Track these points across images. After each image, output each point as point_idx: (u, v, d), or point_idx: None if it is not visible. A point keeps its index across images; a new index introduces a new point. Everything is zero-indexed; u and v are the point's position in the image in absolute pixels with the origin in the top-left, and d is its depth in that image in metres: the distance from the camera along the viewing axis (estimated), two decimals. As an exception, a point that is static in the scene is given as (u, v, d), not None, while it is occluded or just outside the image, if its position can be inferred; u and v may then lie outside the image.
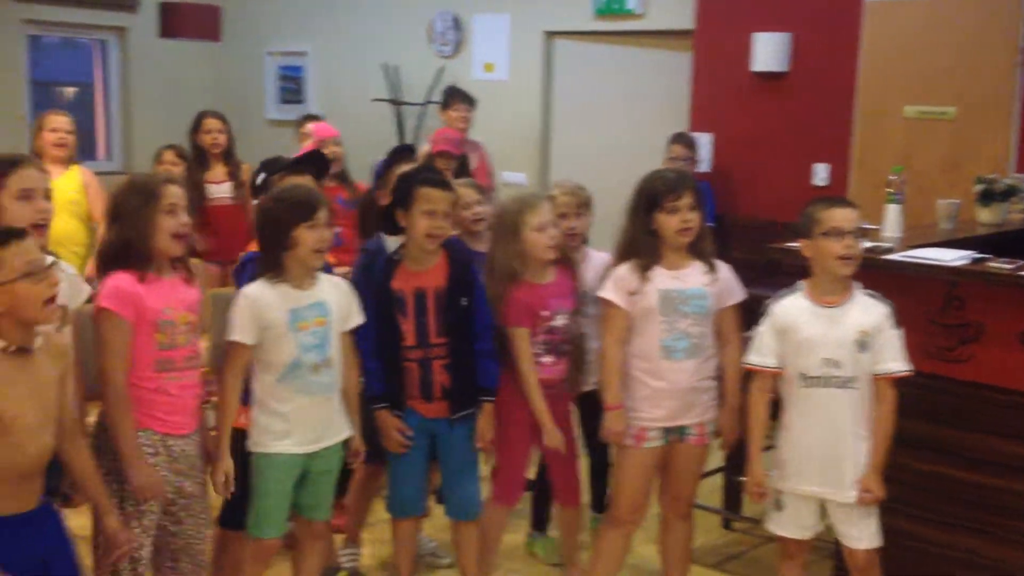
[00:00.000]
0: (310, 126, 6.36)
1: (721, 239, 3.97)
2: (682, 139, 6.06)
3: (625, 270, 3.41)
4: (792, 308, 3.25)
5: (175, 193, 2.98)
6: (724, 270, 3.49)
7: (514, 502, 3.80)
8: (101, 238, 3.32)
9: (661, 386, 3.39)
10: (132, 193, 2.99)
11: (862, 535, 3.23)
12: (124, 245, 2.96)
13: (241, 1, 8.25)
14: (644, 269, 3.38)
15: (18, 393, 2.47)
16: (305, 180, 3.62)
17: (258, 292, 3.15)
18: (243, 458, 3.22)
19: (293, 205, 3.16)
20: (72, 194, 5.20)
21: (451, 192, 3.56)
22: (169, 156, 5.52)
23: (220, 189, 5.69)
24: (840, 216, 3.19)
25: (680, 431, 3.46)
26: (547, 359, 3.64)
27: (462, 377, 3.53)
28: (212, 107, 7.44)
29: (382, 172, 4.19)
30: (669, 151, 5.98)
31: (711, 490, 4.41)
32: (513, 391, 3.61)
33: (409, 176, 3.62)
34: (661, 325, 3.37)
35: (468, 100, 6.32)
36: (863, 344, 3.17)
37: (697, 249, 3.43)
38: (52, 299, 2.52)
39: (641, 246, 3.40)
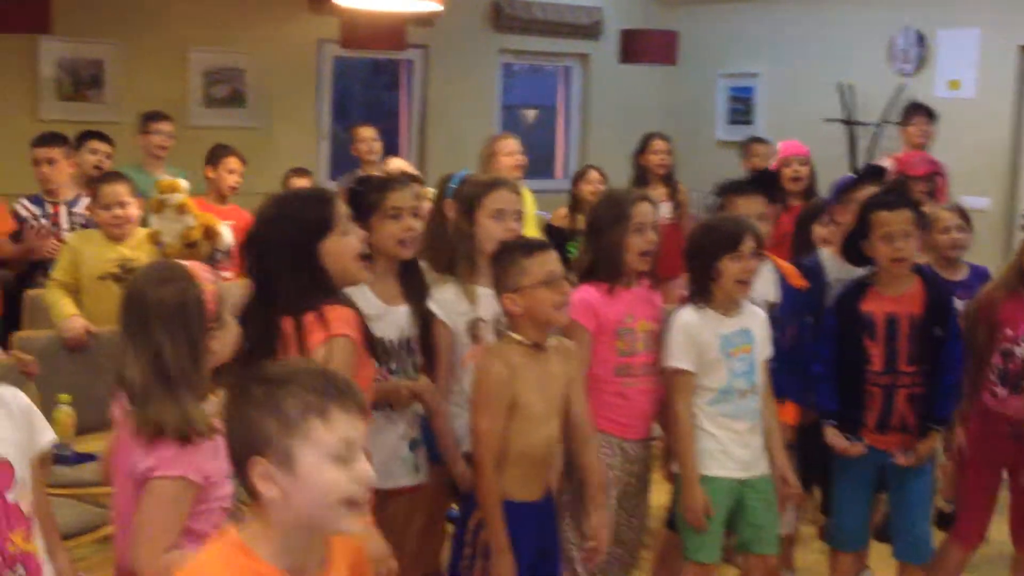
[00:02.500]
0: (758, 147, 6.38)
1: None
2: None
3: None
4: None
5: (646, 212, 3.15)
6: None
7: (977, 544, 3.56)
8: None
9: None
10: (605, 209, 3.21)
11: None
12: (595, 258, 3.18)
13: (696, 25, 8.43)
14: None
15: (529, 383, 2.77)
16: (755, 201, 3.64)
17: (691, 318, 3.22)
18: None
19: (718, 236, 3.21)
20: (530, 209, 5.62)
21: (910, 212, 3.41)
22: (299, 182, 5.43)
23: (660, 208, 5.86)
24: None
25: None
26: (1000, 391, 3.40)
27: (926, 409, 3.38)
28: (664, 128, 7.69)
29: (843, 190, 4.08)
30: None
31: None
32: (983, 425, 3.39)
33: (866, 202, 3.52)
34: None
35: (930, 115, 6.04)
36: None
37: None
38: (563, 304, 2.80)
39: None
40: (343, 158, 7.12)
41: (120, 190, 4.22)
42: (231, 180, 5.19)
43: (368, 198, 2.93)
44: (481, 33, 7.99)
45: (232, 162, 5.20)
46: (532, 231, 5.55)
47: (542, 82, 9.12)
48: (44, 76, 6.54)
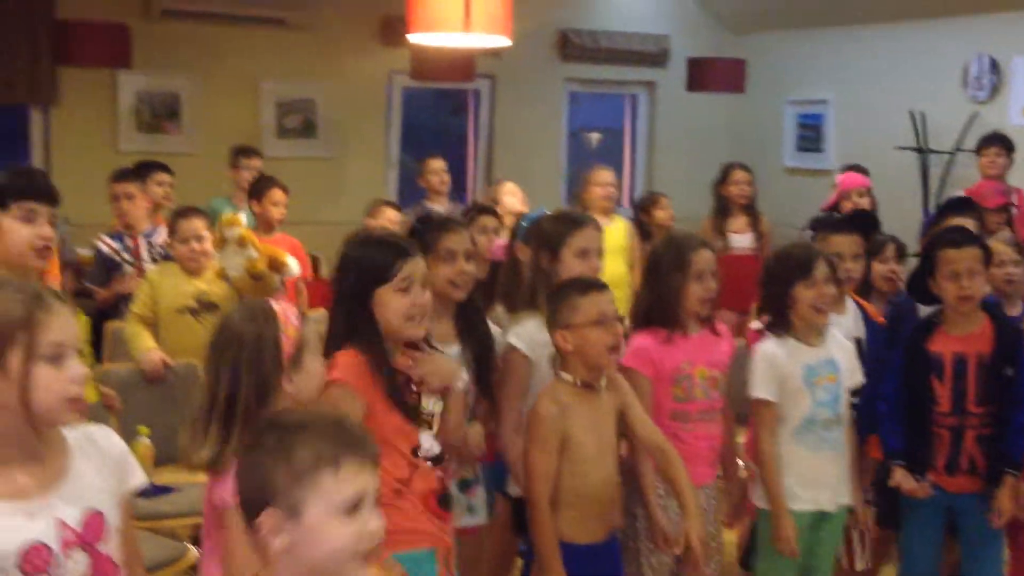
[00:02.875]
0: (839, 176, 6.31)
1: None
2: None
3: None
4: None
5: (706, 259, 3.14)
6: None
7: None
8: (636, 288, 3.57)
9: None
10: (665, 254, 3.21)
11: None
12: (655, 302, 3.18)
13: (765, 52, 8.39)
14: None
15: (581, 422, 2.78)
16: (852, 240, 3.63)
17: (772, 348, 3.21)
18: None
19: (790, 263, 3.20)
20: (621, 240, 5.64)
21: (977, 250, 3.37)
22: (389, 213, 5.45)
23: (741, 239, 5.84)
24: None
25: None
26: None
27: (995, 450, 3.32)
28: (731, 155, 7.65)
29: (931, 225, 4.02)
30: None
31: None
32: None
33: (931, 239, 3.49)
34: None
35: (1006, 144, 5.95)
36: None
37: None
38: (615, 348, 2.80)
39: None
40: (411, 186, 7.21)
41: (197, 225, 4.33)
42: (277, 213, 5.28)
43: (424, 238, 2.95)
44: (548, 62, 8.05)
45: (276, 194, 5.29)
46: (619, 264, 5.54)
47: (607, 103, 9.14)
48: (123, 108, 6.75)
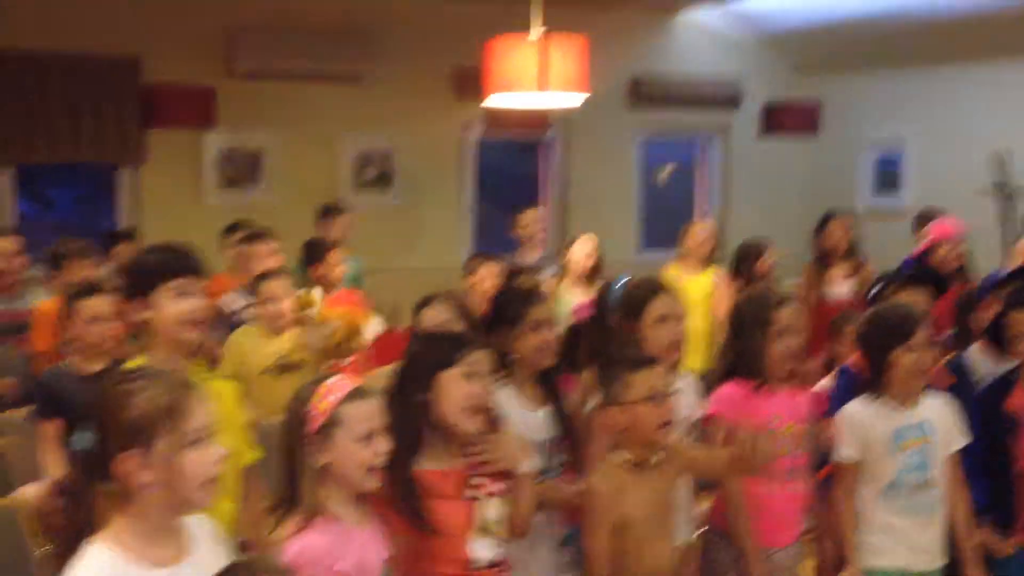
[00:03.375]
0: (931, 225, 6.17)
1: None
2: None
3: None
4: None
5: (789, 316, 3.14)
6: None
7: None
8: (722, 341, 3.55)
9: None
10: (749, 310, 3.22)
11: None
12: (738, 358, 3.19)
13: (841, 93, 8.33)
14: None
15: (636, 502, 2.76)
16: (920, 296, 3.58)
17: (860, 409, 3.17)
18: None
19: (890, 326, 3.15)
20: (705, 292, 5.64)
21: None
22: (486, 268, 5.17)
23: (840, 287, 5.76)
24: None
25: None
26: None
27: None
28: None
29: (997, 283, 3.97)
30: None
31: None
32: None
33: (1008, 298, 3.43)
34: None
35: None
36: None
37: None
38: (667, 423, 2.79)
39: None
40: (486, 234, 7.28)
41: (274, 287, 4.41)
42: (338, 272, 5.36)
43: (509, 310, 3.04)
44: (619, 109, 8.09)
45: (334, 256, 5.36)
46: (703, 316, 5.53)
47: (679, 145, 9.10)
48: (208, 165, 6.96)
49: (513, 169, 8.62)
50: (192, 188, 6.92)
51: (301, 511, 2.23)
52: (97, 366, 3.53)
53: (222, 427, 2.67)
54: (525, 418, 2.97)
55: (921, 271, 4.12)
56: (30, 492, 3.50)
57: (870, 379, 3.18)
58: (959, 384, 3.56)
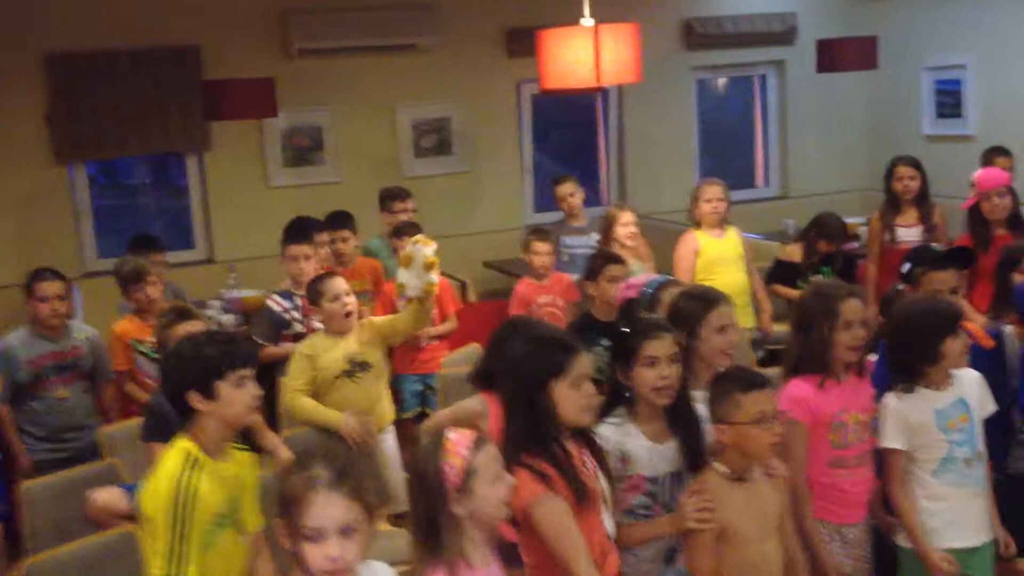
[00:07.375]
0: (1001, 160, 6.07)
1: None
2: None
3: None
4: None
5: (854, 309, 3.21)
6: None
7: None
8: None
9: None
10: (813, 304, 3.29)
11: None
12: (804, 351, 3.27)
13: (897, 23, 8.16)
14: None
15: (737, 508, 2.86)
16: (950, 275, 3.62)
17: (898, 403, 3.26)
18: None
19: (940, 320, 3.23)
20: (737, 250, 5.68)
21: None
22: (539, 246, 5.43)
23: (909, 233, 5.75)
24: None
25: None
26: None
27: None
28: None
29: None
30: None
31: None
32: None
33: None
34: None
35: None
36: None
37: None
38: (774, 444, 2.88)
39: None
40: (548, 191, 7.34)
41: (338, 283, 4.38)
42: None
43: (627, 344, 2.98)
44: (674, 53, 8.04)
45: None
46: (737, 273, 5.62)
47: (732, 87, 9.02)
48: (270, 147, 7.10)
49: (570, 119, 8.63)
50: (257, 170, 7.08)
51: (444, 561, 2.33)
52: None
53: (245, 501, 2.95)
54: (651, 451, 2.97)
55: (951, 252, 4.13)
56: (103, 497, 3.75)
57: (909, 367, 3.25)
58: (995, 351, 3.61)
